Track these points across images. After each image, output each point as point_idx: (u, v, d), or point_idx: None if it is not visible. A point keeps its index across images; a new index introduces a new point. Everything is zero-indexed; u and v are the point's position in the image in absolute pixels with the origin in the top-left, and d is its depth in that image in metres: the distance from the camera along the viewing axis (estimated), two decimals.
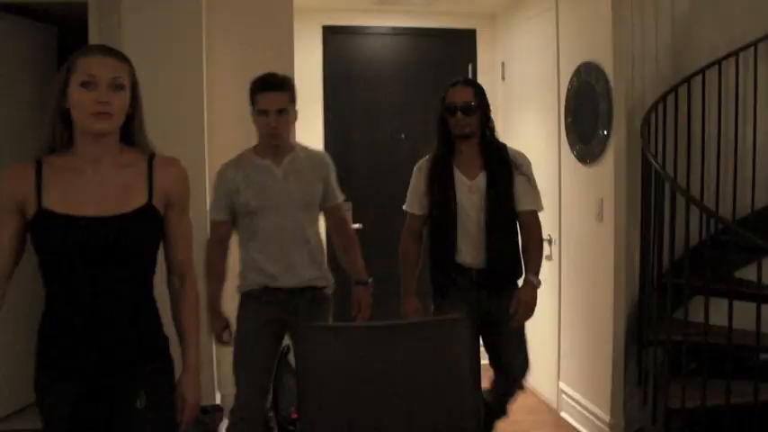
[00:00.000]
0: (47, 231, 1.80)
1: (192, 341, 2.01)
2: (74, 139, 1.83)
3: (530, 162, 3.17)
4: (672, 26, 3.74)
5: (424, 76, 5.14)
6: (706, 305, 2.99)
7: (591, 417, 3.87)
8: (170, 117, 3.81)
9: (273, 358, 3.07)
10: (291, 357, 4.32)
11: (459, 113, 3.04)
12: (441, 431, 2.09)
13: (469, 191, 3.06)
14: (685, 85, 3.61)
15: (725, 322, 2.99)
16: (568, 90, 4.04)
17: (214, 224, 3.05)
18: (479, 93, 3.11)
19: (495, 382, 3.26)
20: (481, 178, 3.06)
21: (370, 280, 3.20)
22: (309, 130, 4.95)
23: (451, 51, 5.21)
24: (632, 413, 3.62)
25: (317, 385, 2.09)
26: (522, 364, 3.20)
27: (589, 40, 3.84)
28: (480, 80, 5.15)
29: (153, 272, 1.97)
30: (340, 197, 3.15)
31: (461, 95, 3.07)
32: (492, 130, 3.16)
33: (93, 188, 1.83)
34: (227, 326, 3.06)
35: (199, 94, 3.93)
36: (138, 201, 1.87)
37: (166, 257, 2.02)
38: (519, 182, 3.08)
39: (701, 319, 3.09)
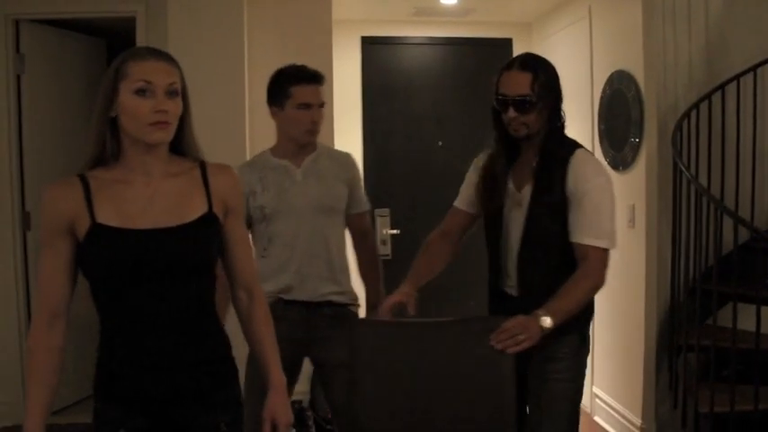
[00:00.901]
0: (105, 248, 1.65)
1: (275, 358, 1.89)
2: (122, 150, 1.69)
3: (603, 177, 2.31)
4: (705, 33, 3.75)
5: (460, 85, 5.25)
6: (734, 311, 3.01)
7: (623, 421, 3.89)
8: (214, 126, 3.96)
9: (290, 385, 2.58)
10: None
11: (512, 109, 2.25)
12: (481, 426, 2.14)
13: (513, 203, 2.38)
14: (719, 92, 3.63)
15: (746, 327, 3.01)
16: (602, 98, 4.09)
17: None
18: (543, 80, 2.25)
19: None
20: (527, 190, 2.33)
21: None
22: (349, 140, 5.09)
23: (488, 60, 5.25)
24: (663, 417, 3.64)
25: (368, 375, 2.19)
26: None
27: (621, 49, 3.88)
28: None
29: (215, 288, 1.82)
30: (365, 206, 2.86)
31: (516, 84, 2.25)
32: (560, 129, 2.35)
33: (148, 200, 1.70)
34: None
35: (241, 104, 4.07)
36: (199, 210, 1.74)
37: (229, 271, 1.87)
38: (576, 204, 2.25)
39: (740, 326, 3.10)
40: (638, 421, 3.73)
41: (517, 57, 2.36)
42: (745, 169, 3.67)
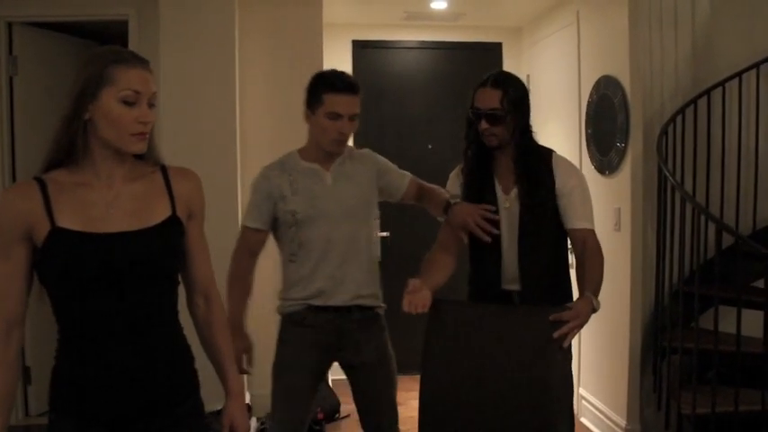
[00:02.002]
0: (66, 252, 1.57)
1: (231, 364, 1.86)
2: (87, 152, 1.63)
3: (580, 172, 2.69)
4: (691, 39, 3.80)
5: (451, 89, 5.28)
6: (715, 313, 3.06)
7: (609, 422, 3.93)
8: (204, 128, 4.01)
9: (315, 391, 2.71)
10: None
11: (484, 121, 2.50)
12: (528, 409, 2.30)
13: (505, 206, 2.58)
14: (705, 97, 3.68)
15: (743, 331, 3.04)
16: (589, 103, 4.13)
17: (247, 232, 2.68)
18: (512, 97, 2.50)
19: None
20: (516, 192, 2.56)
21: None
22: None
23: (478, 64, 5.31)
24: (648, 419, 3.68)
25: (438, 351, 2.38)
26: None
27: (608, 55, 3.93)
28: None
29: (177, 295, 1.76)
30: (407, 177, 2.79)
31: (488, 99, 2.50)
32: (529, 136, 2.58)
33: (110, 203, 1.64)
34: (249, 349, 2.69)
35: (232, 106, 4.10)
36: (162, 213, 1.69)
37: (186, 276, 1.82)
38: (567, 198, 2.54)
39: (719, 328, 3.15)
40: (623, 423, 3.77)
41: (491, 75, 2.57)
42: (730, 174, 3.72)
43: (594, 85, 4.04)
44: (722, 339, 3.12)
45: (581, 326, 2.31)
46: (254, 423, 4.09)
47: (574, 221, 2.53)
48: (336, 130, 2.53)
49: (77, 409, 1.63)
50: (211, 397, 1.91)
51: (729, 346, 3.06)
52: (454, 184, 2.71)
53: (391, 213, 5.19)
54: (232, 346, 1.89)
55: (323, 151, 2.61)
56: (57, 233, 1.58)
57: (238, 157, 4.14)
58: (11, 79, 4.16)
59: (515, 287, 2.58)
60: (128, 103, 1.59)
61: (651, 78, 3.72)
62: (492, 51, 5.33)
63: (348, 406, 4.58)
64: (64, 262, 1.57)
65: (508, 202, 2.57)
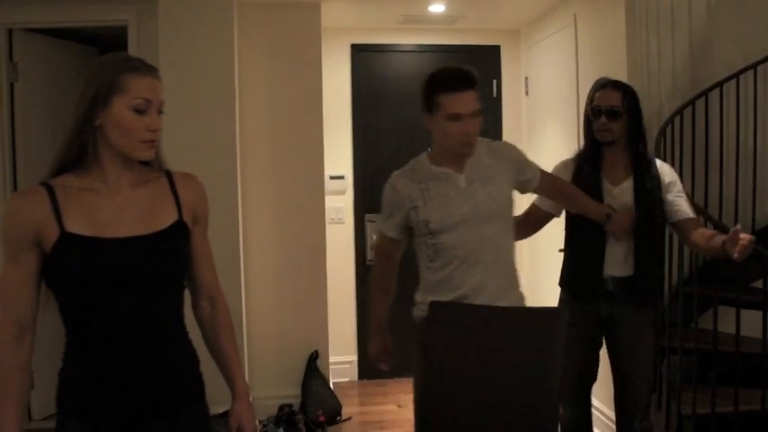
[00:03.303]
0: (76, 257, 1.60)
1: (238, 366, 1.88)
2: (96, 158, 1.66)
3: (678, 177, 2.98)
4: (689, 40, 3.82)
5: None
6: (715, 314, 3.07)
7: (609, 422, 3.93)
8: (204, 132, 4.03)
9: None
10: (319, 363, 4.49)
11: (603, 117, 2.83)
12: (526, 406, 2.36)
13: (611, 198, 2.84)
14: (703, 98, 3.69)
15: (744, 331, 3.06)
16: (586, 104, 4.14)
17: (383, 239, 2.62)
18: (630, 98, 2.86)
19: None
20: (626, 186, 2.85)
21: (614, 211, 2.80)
22: (338, 146, 5.15)
23: (477, 67, 5.29)
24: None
25: (438, 350, 2.41)
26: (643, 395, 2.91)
27: (606, 56, 3.94)
28: (505, 95, 5.35)
29: (183, 300, 1.80)
30: (538, 170, 2.68)
31: (609, 98, 2.84)
32: (644, 139, 2.90)
33: (118, 208, 1.67)
34: (387, 350, 2.71)
35: (231, 111, 4.11)
36: (170, 218, 1.72)
37: (191, 280, 1.85)
38: (672, 193, 2.86)
39: (721, 329, 3.16)
40: None
41: (608, 80, 2.94)
42: (728, 175, 3.73)
43: (592, 87, 4.04)
44: (722, 340, 3.13)
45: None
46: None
47: (683, 213, 2.85)
48: (460, 131, 2.38)
49: (85, 411, 1.64)
50: (215, 400, 1.92)
51: (729, 347, 3.07)
52: (561, 173, 2.94)
53: None
54: (237, 347, 1.91)
55: (453, 155, 2.47)
56: (66, 238, 1.60)
57: (238, 160, 4.15)
58: (11, 85, 4.18)
59: (618, 273, 2.82)
60: (138, 111, 1.62)
61: (649, 80, 3.74)
62: (490, 54, 5.35)
63: (349, 409, 4.60)
64: (73, 266, 1.59)
65: (618, 194, 2.84)
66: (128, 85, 1.61)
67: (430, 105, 2.43)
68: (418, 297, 2.54)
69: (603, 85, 2.90)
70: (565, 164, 3.01)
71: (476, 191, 2.45)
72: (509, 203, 2.55)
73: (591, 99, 2.91)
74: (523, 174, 2.60)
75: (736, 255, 2.45)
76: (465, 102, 2.37)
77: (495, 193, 2.47)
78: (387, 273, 2.67)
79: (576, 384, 2.96)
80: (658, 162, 2.93)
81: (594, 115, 2.87)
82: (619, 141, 2.86)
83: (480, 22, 5.17)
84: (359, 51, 5.26)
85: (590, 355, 2.94)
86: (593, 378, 3.02)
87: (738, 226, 2.50)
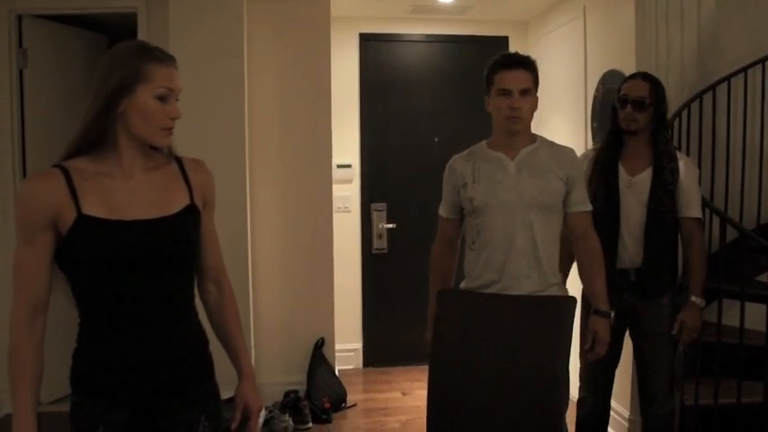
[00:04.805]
0: (93, 239, 1.63)
1: (243, 348, 1.93)
2: (112, 143, 1.69)
3: (698, 171, 3.06)
4: (697, 34, 3.81)
5: (457, 82, 5.33)
6: (719, 307, 3.08)
7: (612, 414, 3.95)
8: (213, 121, 4.05)
9: None
10: (325, 350, 4.51)
11: (629, 107, 2.89)
12: (533, 394, 2.39)
13: (627, 187, 2.92)
14: (711, 92, 3.69)
15: (751, 324, 3.09)
16: (595, 96, 4.15)
17: (441, 221, 2.76)
18: (657, 91, 2.92)
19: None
20: (644, 176, 2.91)
21: (612, 314, 2.70)
22: (346, 135, 5.17)
23: (485, 58, 5.28)
24: None
25: (446, 339, 2.47)
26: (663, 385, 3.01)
27: (614, 49, 3.95)
28: None
29: (194, 282, 1.85)
30: (586, 206, 2.67)
31: (637, 89, 2.91)
32: (666, 131, 2.98)
33: (132, 192, 1.70)
34: None
35: (240, 99, 4.14)
36: (182, 201, 1.76)
37: (199, 263, 1.88)
38: (685, 188, 2.91)
39: (729, 321, 3.17)
40: (626, 414, 3.80)
41: (638, 72, 3.03)
42: (734, 168, 3.74)
43: (600, 80, 4.06)
44: (726, 332, 3.15)
45: (696, 331, 2.97)
46: (262, 411, 4.13)
47: (688, 210, 2.92)
48: (508, 105, 2.50)
49: (99, 390, 1.68)
50: (222, 385, 1.94)
51: (733, 339, 3.08)
52: (584, 163, 2.96)
53: (397, 206, 5.27)
54: (243, 330, 1.96)
55: (506, 136, 2.58)
56: (83, 220, 1.63)
57: (247, 149, 4.17)
58: (21, 72, 4.20)
59: (635, 264, 2.91)
60: (161, 99, 1.67)
61: (657, 73, 3.70)
62: (498, 45, 5.34)
63: (354, 396, 4.63)
64: (91, 248, 1.62)
65: (635, 184, 2.90)
66: (152, 74, 1.66)
67: (488, 85, 2.57)
68: (466, 276, 2.65)
69: (632, 76, 3.00)
70: (584, 156, 3.07)
71: (523, 178, 2.54)
72: (555, 198, 2.57)
73: (619, 89, 2.99)
74: (569, 188, 2.61)
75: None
76: (515, 79, 2.50)
77: (542, 185, 2.54)
78: (446, 257, 2.76)
79: (598, 371, 3.06)
80: (681, 156, 2.98)
81: (621, 104, 2.93)
82: (642, 133, 2.93)
83: (489, 12, 5.17)
84: (367, 41, 5.27)
85: (612, 344, 2.82)
86: (616, 364, 3.13)
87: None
